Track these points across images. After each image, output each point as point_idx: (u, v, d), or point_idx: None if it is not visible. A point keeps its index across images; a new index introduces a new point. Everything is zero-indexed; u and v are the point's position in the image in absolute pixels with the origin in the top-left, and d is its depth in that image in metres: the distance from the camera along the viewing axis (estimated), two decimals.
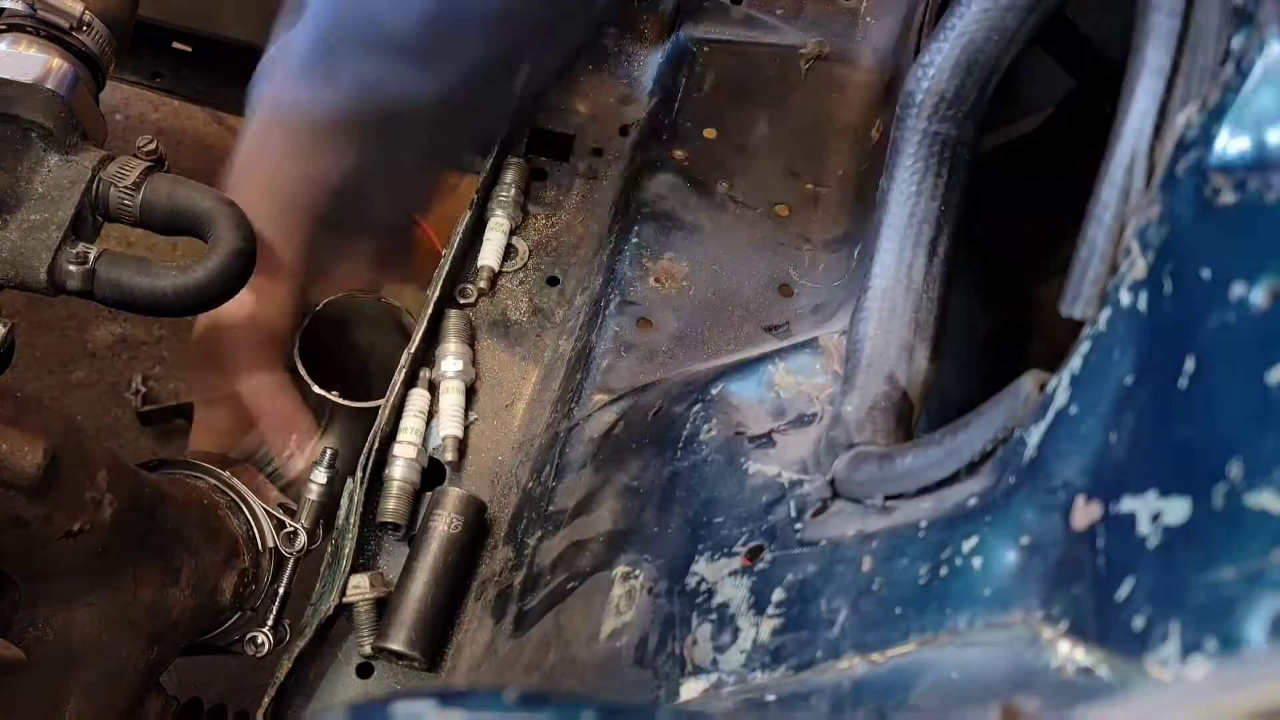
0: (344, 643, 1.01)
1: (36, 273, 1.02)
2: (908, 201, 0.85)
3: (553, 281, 1.17)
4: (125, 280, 1.04)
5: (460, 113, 1.11)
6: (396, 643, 0.96)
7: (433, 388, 1.09)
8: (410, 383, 1.09)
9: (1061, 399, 0.60)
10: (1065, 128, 1.22)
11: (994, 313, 1.28)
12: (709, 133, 1.20)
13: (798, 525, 0.76)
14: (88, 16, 1.13)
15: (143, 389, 2.00)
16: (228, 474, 1.13)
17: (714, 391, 0.90)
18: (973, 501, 0.64)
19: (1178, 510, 0.51)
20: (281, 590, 1.11)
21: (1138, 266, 0.58)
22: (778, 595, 0.72)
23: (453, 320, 1.12)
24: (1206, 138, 0.56)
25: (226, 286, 1.06)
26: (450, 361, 1.09)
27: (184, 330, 2.06)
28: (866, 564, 0.68)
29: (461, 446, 1.07)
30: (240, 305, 1.11)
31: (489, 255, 1.16)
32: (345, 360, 1.32)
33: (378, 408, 1.07)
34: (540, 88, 1.21)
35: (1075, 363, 0.60)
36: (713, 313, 1.07)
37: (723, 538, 0.80)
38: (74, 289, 1.04)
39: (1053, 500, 0.59)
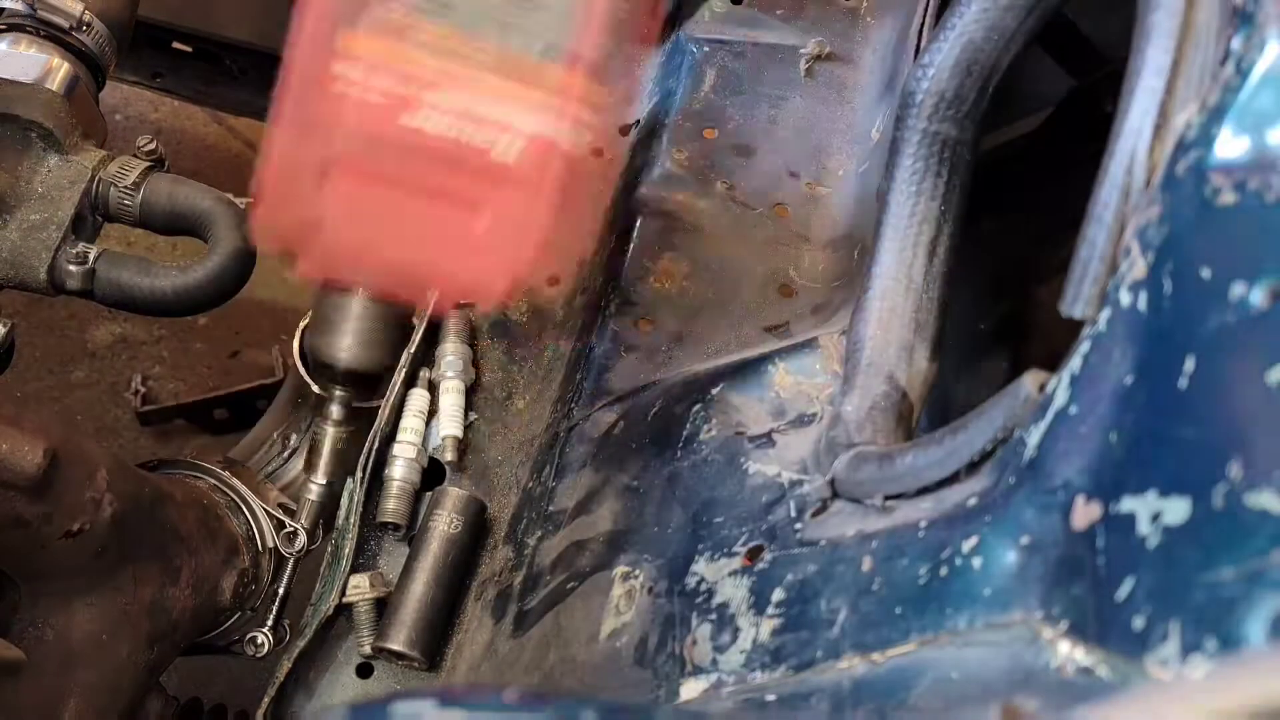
0: (344, 643, 1.01)
1: (36, 273, 1.02)
2: (908, 201, 0.85)
3: (553, 282, 1.17)
4: (125, 280, 1.04)
5: None
6: (396, 643, 0.96)
7: (433, 388, 1.09)
8: (410, 383, 1.09)
9: (1061, 399, 0.60)
10: (1065, 128, 1.22)
11: (994, 313, 1.28)
12: (709, 133, 1.20)
13: (798, 525, 0.76)
14: (88, 16, 1.13)
15: (142, 389, 2.00)
16: (228, 474, 1.13)
17: (714, 391, 0.91)
18: (973, 501, 0.64)
19: (1178, 510, 0.51)
20: (281, 590, 1.11)
21: (1138, 266, 0.58)
22: (778, 595, 0.72)
23: (453, 320, 1.12)
24: (1206, 138, 0.56)
25: (226, 286, 1.06)
26: (450, 361, 1.09)
27: (184, 330, 2.07)
28: (866, 564, 0.68)
29: (461, 446, 1.07)
30: None
31: None
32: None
33: (378, 408, 1.07)
34: None
35: (1075, 363, 0.60)
36: (713, 313, 1.07)
37: (723, 538, 0.80)
38: (74, 289, 1.04)
39: (1053, 500, 0.59)
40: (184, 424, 2.00)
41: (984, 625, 0.59)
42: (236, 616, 1.09)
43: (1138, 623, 0.50)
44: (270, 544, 1.10)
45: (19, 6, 1.11)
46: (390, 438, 1.06)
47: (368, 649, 0.99)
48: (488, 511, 1.04)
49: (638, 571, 0.84)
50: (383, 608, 1.00)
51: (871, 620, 0.65)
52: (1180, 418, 0.53)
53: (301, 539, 1.11)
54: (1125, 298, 0.58)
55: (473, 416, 1.10)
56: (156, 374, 2.05)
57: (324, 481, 1.13)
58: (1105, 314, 0.59)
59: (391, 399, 1.06)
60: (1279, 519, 0.46)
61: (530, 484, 1.03)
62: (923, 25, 1.11)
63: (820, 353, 0.91)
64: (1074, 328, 0.62)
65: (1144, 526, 0.52)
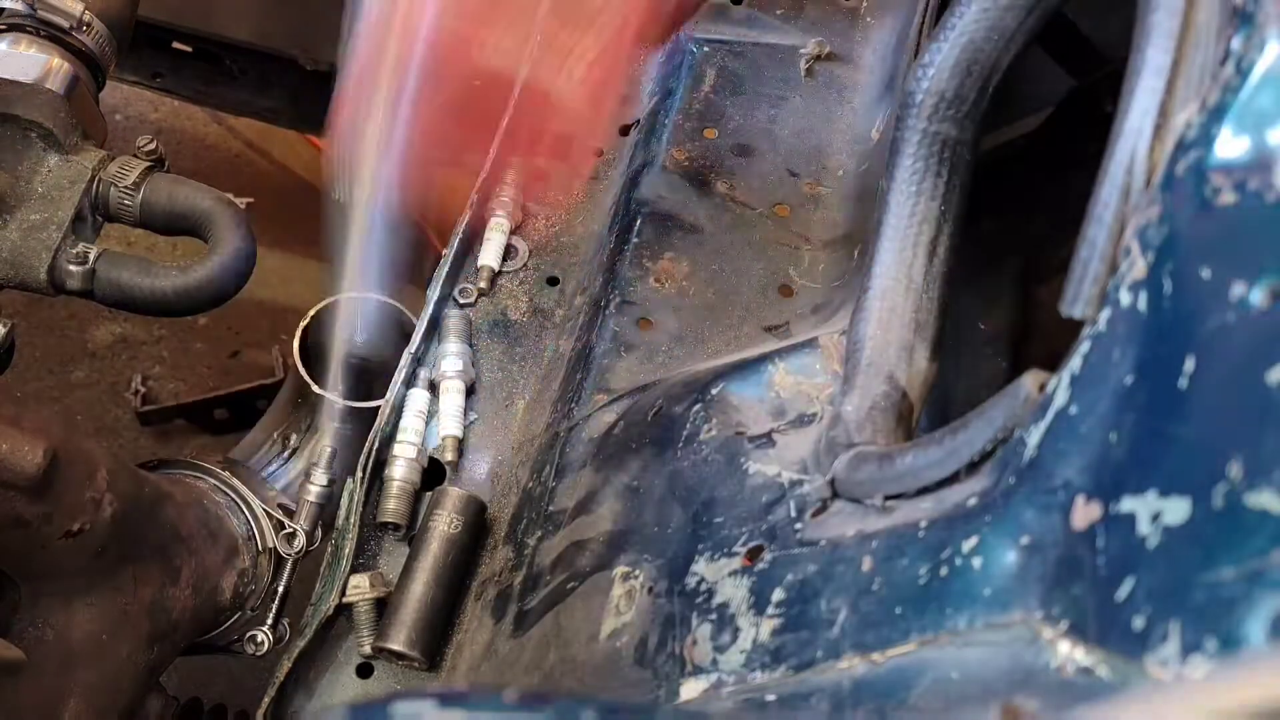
0: (344, 643, 1.01)
1: (36, 273, 1.02)
2: (908, 201, 0.85)
3: (553, 281, 1.17)
4: (125, 280, 1.04)
5: None
6: (396, 643, 0.96)
7: (433, 388, 1.09)
8: (410, 383, 1.09)
9: (1061, 399, 0.60)
10: (1065, 128, 1.22)
11: (994, 313, 1.27)
12: (709, 133, 1.20)
13: (798, 525, 0.76)
14: (88, 16, 1.13)
15: (142, 389, 2.00)
16: (228, 474, 1.13)
17: (714, 391, 0.90)
18: (973, 501, 0.64)
19: (1178, 510, 0.51)
20: (281, 589, 1.11)
21: (1138, 266, 0.58)
22: (778, 595, 0.72)
23: (453, 320, 1.12)
24: (1206, 138, 0.56)
25: (226, 286, 1.07)
26: (450, 361, 1.09)
27: (184, 330, 2.07)
28: (866, 564, 0.68)
29: (461, 446, 1.07)
30: None
31: (489, 255, 1.16)
32: (345, 360, 1.32)
33: (378, 408, 1.07)
34: None
35: (1075, 363, 0.60)
36: (713, 313, 1.07)
37: (723, 538, 0.80)
38: (74, 289, 1.04)
39: (1053, 500, 0.59)
40: (184, 424, 2.00)
41: (984, 625, 0.59)
42: (236, 616, 1.09)
43: (1138, 623, 0.50)
44: (270, 544, 1.11)
45: (19, 6, 1.11)
46: (390, 438, 1.06)
47: (368, 649, 0.99)
48: (488, 511, 1.04)
49: (638, 571, 0.84)
50: (383, 608, 1.00)
51: (871, 620, 0.65)
52: (1180, 418, 0.53)
53: (301, 540, 1.11)
54: (1125, 298, 0.58)
55: (473, 416, 1.10)
56: (156, 374, 2.05)
57: (324, 482, 1.13)
58: (1105, 314, 0.59)
59: (391, 399, 1.06)
60: (1279, 519, 0.46)
61: (530, 484, 1.03)
62: (923, 25, 1.11)
63: (820, 353, 0.91)
64: (1074, 328, 0.62)
65: (1144, 526, 0.52)
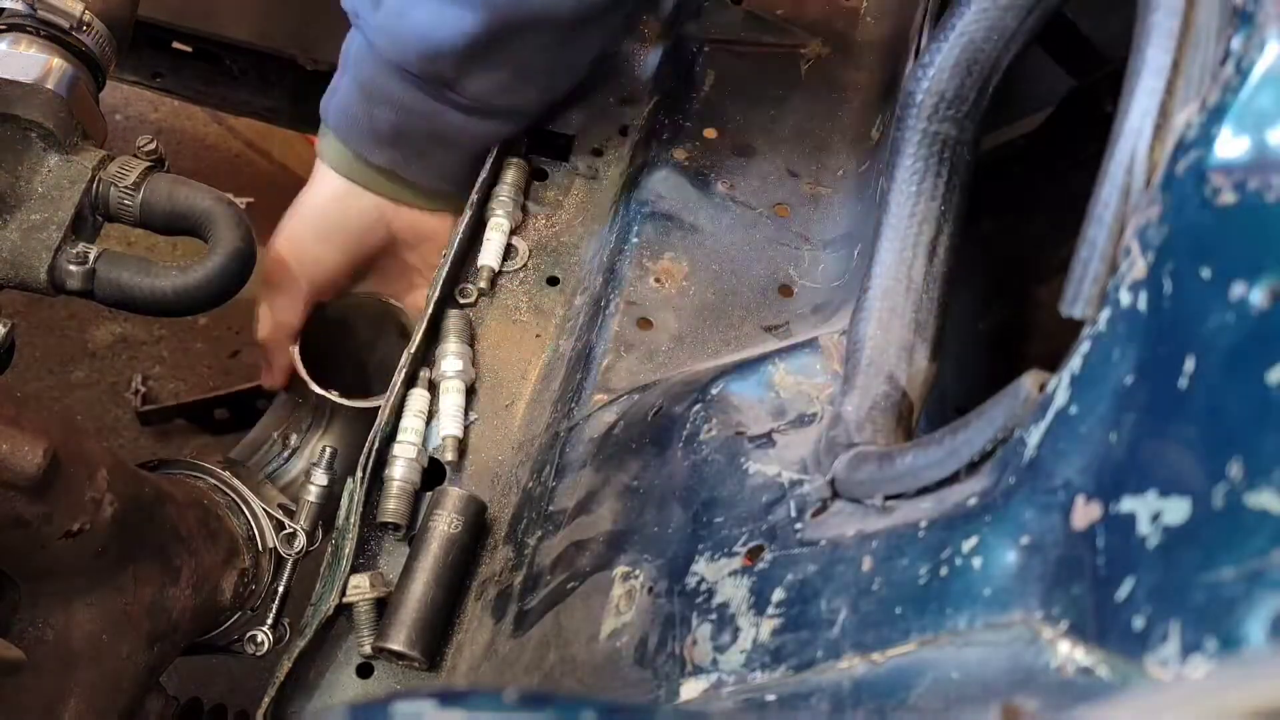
0: (344, 643, 1.01)
1: (36, 273, 1.02)
2: (908, 201, 0.85)
3: (553, 281, 1.17)
4: (125, 280, 1.04)
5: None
6: (396, 643, 0.96)
7: (433, 388, 1.09)
8: (410, 383, 1.09)
9: (1061, 399, 0.60)
10: (1065, 128, 1.22)
11: (994, 313, 1.28)
12: (709, 133, 1.20)
13: (798, 525, 0.76)
14: (88, 16, 1.13)
15: (142, 389, 2.00)
16: (228, 474, 1.13)
17: (714, 391, 0.90)
18: (973, 501, 0.64)
19: (1178, 510, 0.51)
20: (281, 589, 1.11)
21: (1138, 266, 0.58)
22: (778, 595, 0.72)
23: (453, 320, 1.12)
24: (1206, 138, 0.56)
25: (227, 286, 1.06)
26: (450, 361, 1.09)
27: (184, 330, 2.07)
28: (866, 564, 0.68)
29: (461, 446, 1.07)
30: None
31: (489, 255, 1.16)
32: (345, 360, 1.32)
33: (378, 408, 1.07)
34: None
35: (1075, 363, 0.60)
36: (713, 313, 1.07)
37: (723, 538, 0.80)
38: (74, 289, 1.04)
39: (1053, 500, 0.59)
40: (184, 424, 2.00)
41: (984, 625, 0.60)
42: (236, 616, 1.09)
43: (1138, 623, 0.50)
44: (270, 544, 1.11)
45: (19, 6, 1.11)
46: (390, 438, 1.06)
47: (368, 649, 0.99)
48: (488, 511, 1.04)
49: (638, 571, 0.84)
50: (383, 608, 1.00)
51: (871, 620, 0.65)
52: (1180, 418, 0.53)
53: (301, 540, 1.11)
54: (1125, 298, 0.58)
55: (473, 416, 1.10)
56: (156, 374, 2.05)
57: (324, 482, 1.13)
58: (1105, 314, 0.59)
59: (391, 399, 1.06)
60: (1279, 519, 0.46)
61: (530, 484, 1.03)
62: (923, 25, 1.11)
63: (820, 353, 0.91)
64: (1074, 328, 0.62)
65: (1144, 526, 0.52)
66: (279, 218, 1.22)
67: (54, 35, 1.12)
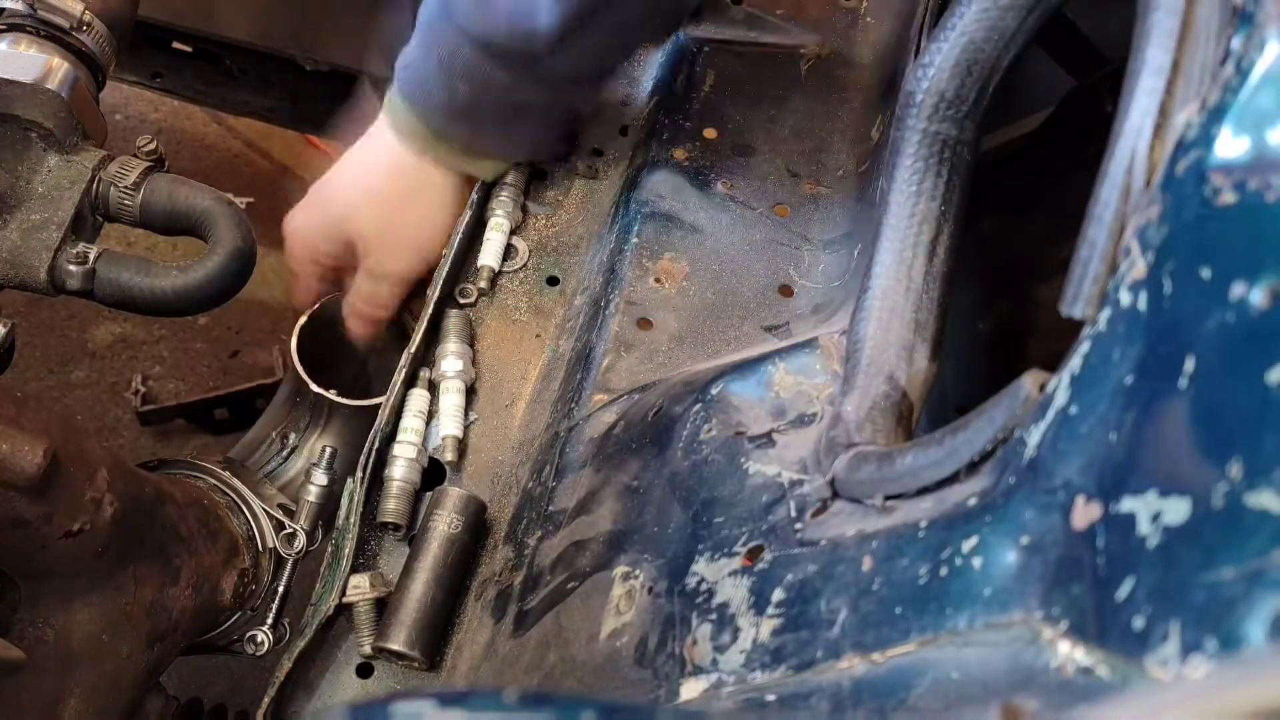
0: (344, 643, 1.01)
1: (36, 273, 1.02)
2: (908, 201, 0.85)
3: (553, 281, 1.17)
4: (125, 280, 1.04)
5: None
6: (396, 643, 0.96)
7: (433, 388, 1.09)
8: (410, 383, 1.09)
9: (1061, 399, 0.60)
10: (1065, 128, 1.22)
11: (994, 313, 1.28)
12: (709, 133, 1.20)
13: (798, 525, 0.76)
14: (88, 16, 1.13)
15: (142, 389, 2.00)
16: (228, 474, 1.13)
17: (714, 391, 0.90)
18: (973, 501, 0.64)
19: (1178, 510, 0.51)
20: (281, 589, 1.11)
21: (1138, 266, 0.58)
22: (778, 595, 0.72)
23: (453, 320, 1.12)
24: (1206, 138, 0.56)
25: (227, 286, 1.07)
26: (450, 361, 1.09)
27: (184, 330, 2.07)
28: (866, 564, 0.68)
29: (461, 446, 1.07)
30: None
31: (489, 255, 1.16)
32: (345, 360, 1.32)
33: (378, 408, 1.07)
34: None
35: (1075, 363, 0.60)
36: (713, 313, 1.07)
37: (723, 538, 0.80)
38: (74, 289, 1.04)
39: (1053, 500, 0.59)
40: (184, 424, 2.00)
41: (984, 625, 0.60)
42: (236, 616, 1.09)
43: (1138, 623, 0.50)
44: (270, 544, 1.11)
45: (19, 6, 1.11)
46: (390, 438, 1.06)
47: (368, 649, 0.99)
48: (488, 511, 1.04)
49: (638, 571, 0.84)
50: (383, 608, 1.00)
51: (871, 620, 0.65)
52: (1180, 418, 0.53)
53: (301, 540, 1.11)
54: (1125, 298, 0.58)
55: (473, 416, 1.10)
56: (156, 374, 2.05)
57: (324, 482, 1.13)
58: (1105, 314, 0.59)
59: (391, 399, 1.06)
60: (1279, 519, 0.46)
61: (530, 484, 1.03)
62: (923, 25, 1.11)
63: (820, 353, 0.91)
64: (1074, 328, 0.62)
65: (1144, 526, 0.52)
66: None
67: (54, 35, 1.12)
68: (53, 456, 0.81)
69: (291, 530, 1.11)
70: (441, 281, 1.12)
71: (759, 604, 0.73)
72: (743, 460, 0.83)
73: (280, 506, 1.13)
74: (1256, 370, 0.49)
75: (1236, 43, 0.56)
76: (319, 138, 2.11)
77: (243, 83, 1.74)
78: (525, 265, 1.18)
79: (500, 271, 1.17)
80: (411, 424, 1.06)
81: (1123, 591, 0.52)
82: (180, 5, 1.57)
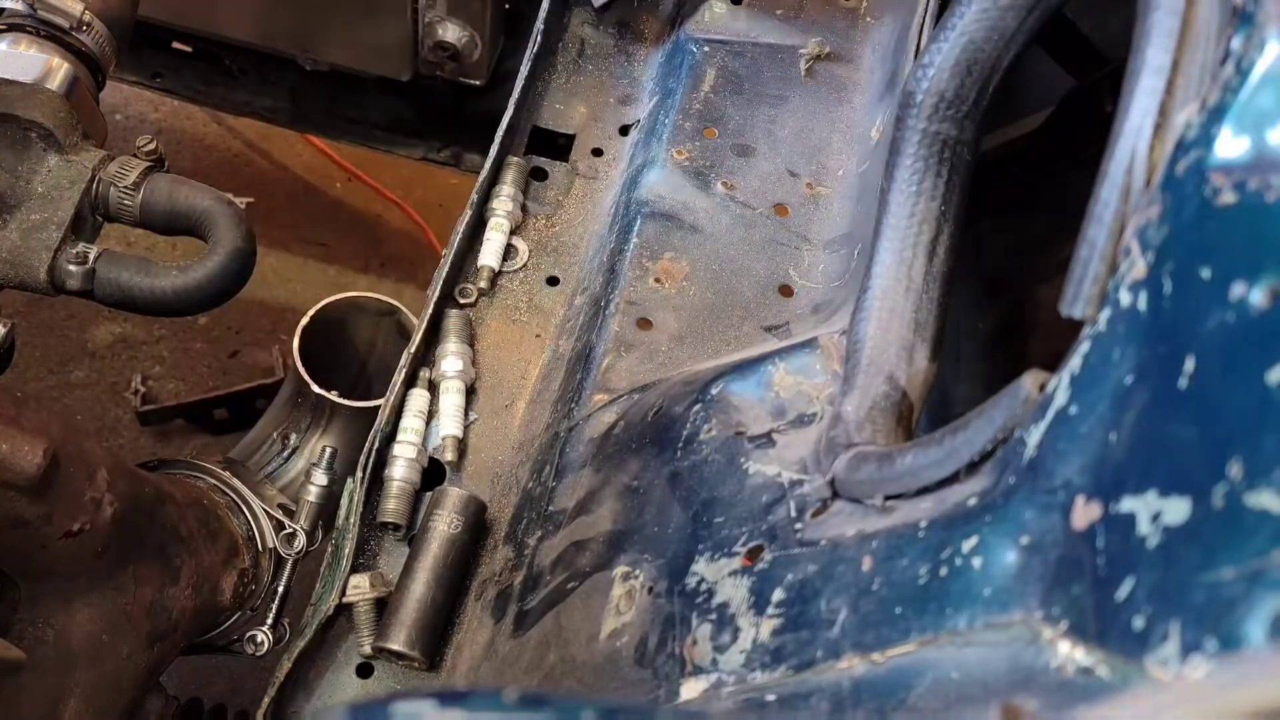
0: (344, 643, 1.01)
1: (36, 273, 1.02)
2: (908, 201, 0.85)
3: (553, 281, 1.17)
4: (125, 280, 1.04)
5: None
6: (396, 643, 0.96)
7: (433, 388, 1.09)
8: (410, 383, 1.09)
9: (1061, 399, 0.60)
10: (1065, 128, 1.22)
11: (994, 313, 1.28)
12: (709, 133, 1.20)
13: (798, 525, 0.76)
14: (88, 16, 1.13)
15: (142, 389, 2.00)
16: (228, 474, 1.13)
17: (714, 391, 0.90)
18: (973, 501, 0.64)
19: (1178, 510, 0.51)
20: (281, 589, 1.11)
21: (1138, 266, 0.58)
22: (778, 595, 0.72)
23: (453, 320, 1.12)
24: (1206, 138, 0.56)
25: (226, 286, 1.06)
26: (450, 361, 1.09)
27: (184, 330, 2.07)
28: (866, 564, 0.68)
29: (461, 446, 1.07)
30: None
31: (489, 255, 1.16)
32: (346, 361, 1.32)
33: (378, 408, 1.07)
34: None
35: (1075, 363, 0.60)
36: (713, 313, 1.07)
37: (723, 538, 0.80)
38: (74, 289, 1.04)
39: (1053, 500, 0.59)
40: (184, 424, 2.00)
41: (984, 625, 0.60)
42: (236, 616, 1.09)
43: (1138, 623, 0.50)
44: (270, 544, 1.11)
45: (19, 6, 1.11)
46: (390, 438, 1.06)
47: (368, 649, 0.99)
48: (488, 511, 1.04)
49: (638, 571, 0.84)
50: (383, 608, 1.00)
51: (871, 620, 0.65)
52: (1180, 418, 0.53)
53: (300, 540, 1.11)
54: (1125, 298, 0.58)
55: (473, 416, 1.10)
56: (156, 374, 2.05)
57: (324, 482, 1.13)
58: (1105, 314, 0.59)
59: (391, 399, 1.06)
60: (1279, 519, 0.46)
61: (530, 484, 1.03)
62: (923, 25, 1.11)
63: (820, 353, 0.91)
64: (1074, 328, 0.62)
65: (1144, 526, 0.52)
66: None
67: (54, 35, 1.12)
68: (53, 456, 0.81)
69: (291, 530, 1.11)
70: (441, 281, 1.12)
71: (759, 604, 0.73)
72: (743, 460, 0.83)
73: (280, 507, 1.13)
74: (1256, 370, 0.49)
75: (1236, 43, 0.56)
76: (319, 138, 2.11)
77: (243, 83, 1.74)
78: (525, 265, 1.18)
79: (500, 271, 1.17)
80: (411, 424, 1.06)
81: (1123, 591, 0.52)
82: (180, 5, 1.57)
